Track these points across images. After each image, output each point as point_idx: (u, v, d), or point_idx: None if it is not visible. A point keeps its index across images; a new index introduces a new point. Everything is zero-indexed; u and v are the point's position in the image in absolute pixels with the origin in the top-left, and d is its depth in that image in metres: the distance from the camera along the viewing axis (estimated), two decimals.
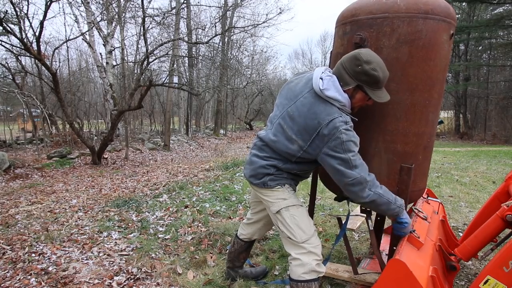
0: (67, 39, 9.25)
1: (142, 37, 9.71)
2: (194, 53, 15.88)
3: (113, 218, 3.66)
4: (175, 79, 14.43)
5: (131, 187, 5.42)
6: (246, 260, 2.29)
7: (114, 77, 12.21)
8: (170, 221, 3.52)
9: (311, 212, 2.19)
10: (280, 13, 13.75)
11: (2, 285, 2.26)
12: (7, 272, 2.44)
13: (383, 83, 1.51)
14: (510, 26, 14.48)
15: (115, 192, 5.14)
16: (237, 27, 16.11)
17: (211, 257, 2.59)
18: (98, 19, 11.70)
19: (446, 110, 20.53)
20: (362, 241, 2.90)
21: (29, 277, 2.37)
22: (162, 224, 3.44)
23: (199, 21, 17.19)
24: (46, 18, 6.82)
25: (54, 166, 8.15)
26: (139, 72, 9.07)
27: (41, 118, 12.55)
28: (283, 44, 56.06)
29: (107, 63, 11.88)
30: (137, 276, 2.35)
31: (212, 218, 3.57)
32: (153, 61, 9.80)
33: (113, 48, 12.31)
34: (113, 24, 12.15)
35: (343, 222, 2.00)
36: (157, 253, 2.73)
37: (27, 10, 6.71)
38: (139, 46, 14.03)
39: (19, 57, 8.65)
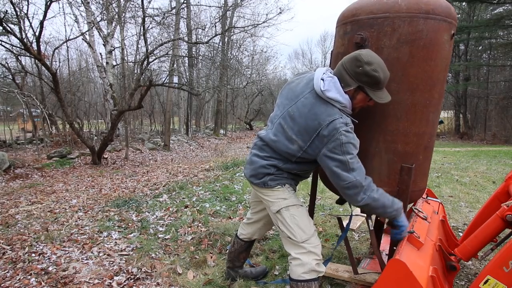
0: (67, 39, 9.25)
1: (142, 37, 9.71)
2: (194, 53, 15.88)
3: (113, 218, 3.66)
4: (175, 79, 14.43)
5: (131, 187, 5.42)
6: (246, 260, 2.29)
7: (114, 77, 12.21)
8: (170, 221, 3.51)
9: (311, 212, 2.19)
10: (280, 13, 13.75)
11: (2, 285, 2.26)
12: (7, 272, 2.44)
13: (384, 84, 1.51)
14: (510, 26, 14.48)
15: (115, 192, 5.14)
16: (237, 27, 16.12)
17: (211, 257, 2.59)
18: (98, 19, 11.70)
19: (446, 110, 20.53)
20: (362, 241, 2.90)
21: (29, 277, 2.37)
22: (162, 224, 3.44)
23: (199, 21, 17.22)
24: (46, 18, 6.82)
25: (54, 166, 8.15)
26: (139, 72, 9.07)
27: (41, 118, 12.54)
28: (283, 44, 56.09)
29: (107, 63, 11.88)
30: (137, 276, 2.35)
31: (212, 218, 3.57)
32: (153, 61, 9.80)
33: (113, 48, 12.30)
34: (113, 24, 12.15)
35: (346, 223, 2.00)
36: (157, 253, 2.73)
37: (27, 10, 6.72)
38: (139, 46, 14.05)
39: (19, 57, 8.64)
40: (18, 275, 2.40)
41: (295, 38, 70.43)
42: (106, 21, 11.98)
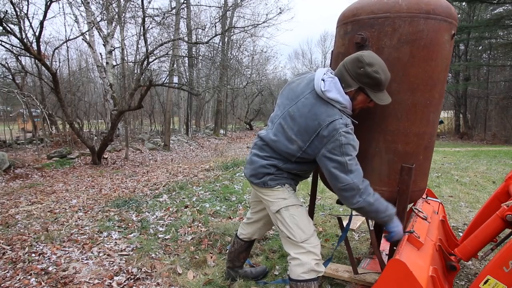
0: (67, 39, 9.24)
1: (142, 37, 9.71)
2: (194, 53, 15.88)
3: (113, 218, 3.66)
4: (175, 79, 14.42)
5: (131, 187, 5.42)
6: (246, 260, 2.29)
7: (114, 77, 12.21)
8: (170, 221, 3.51)
9: (311, 212, 2.19)
10: (280, 13, 13.73)
11: (2, 285, 2.26)
12: (7, 272, 2.44)
13: (385, 85, 1.51)
14: (510, 26, 14.48)
15: (115, 192, 5.14)
16: (237, 27, 16.12)
17: (211, 257, 2.59)
18: (98, 19, 11.70)
19: (446, 110, 20.53)
20: (362, 241, 2.90)
21: (29, 277, 2.37)
22: (162, 224, 3.44)
23: (199, 21, 17.22)
24: (46, 18, 6.82)
25: (54, 166, 8.15)
26: (139, 72, 9.06)
27: (41, 118, 12.54)
28: (283, 44, 56.11)
29: (107, 63, 11.88)
30: (137, 276, 2.35)
31: (212, 218, 3.57)
32: (153, 61, 9.80)
33: (113, 48, 12.30)
34: (113, 24, 12.15)
35: (346, 223, 2.00)
36: (157, 253, 2.73)
37: (27, 10, 6.72)
38: (139, 46, 14.05)
39: (19, 57, 8.63)
40: (18, 275, 2.40)
41: (295, 38, 70.54)
42: (106, 21, 11.98)
